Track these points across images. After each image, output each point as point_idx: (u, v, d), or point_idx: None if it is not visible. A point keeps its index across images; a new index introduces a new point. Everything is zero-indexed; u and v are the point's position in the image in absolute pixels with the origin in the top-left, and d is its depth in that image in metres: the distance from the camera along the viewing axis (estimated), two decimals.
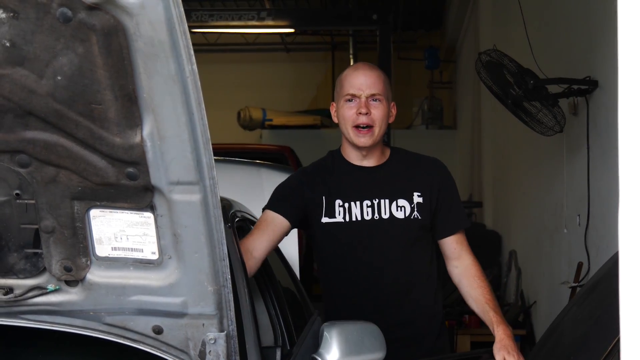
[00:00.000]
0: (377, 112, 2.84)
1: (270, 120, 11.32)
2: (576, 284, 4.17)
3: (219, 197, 2.15)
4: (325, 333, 2.47)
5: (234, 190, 3.27)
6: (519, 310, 6.01)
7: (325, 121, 11.53)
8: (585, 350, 3.11)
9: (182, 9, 1.93)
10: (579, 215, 4.29)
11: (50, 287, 2.39)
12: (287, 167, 5.17)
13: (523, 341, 5.89)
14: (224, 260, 2.20)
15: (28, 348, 2.63)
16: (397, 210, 2.93)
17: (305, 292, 3.23)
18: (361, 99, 2.83)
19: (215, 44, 12.04)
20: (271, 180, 4.05)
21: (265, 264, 2.83)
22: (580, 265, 4.19)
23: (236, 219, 2.75)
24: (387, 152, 3.01)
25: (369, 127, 2.83)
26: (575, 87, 4.08)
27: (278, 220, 2.85)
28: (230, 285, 2.24)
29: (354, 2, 10.20)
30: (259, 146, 9.19)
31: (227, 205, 2.76)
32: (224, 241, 2.18)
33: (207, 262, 2.22)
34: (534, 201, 5.78)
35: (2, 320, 2.44)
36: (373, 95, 2.85)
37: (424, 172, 3.00)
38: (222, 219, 2.15)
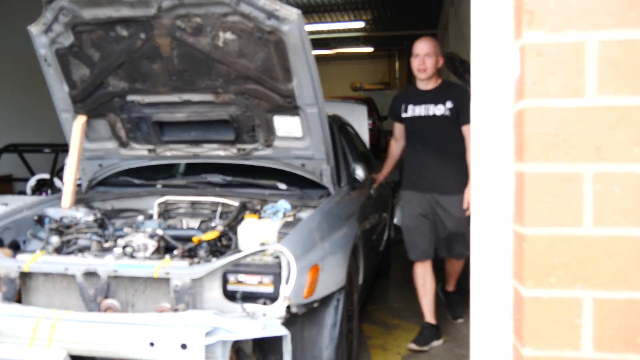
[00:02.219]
0: (429, 62, 4.17)
1: (363, 87, 21.06)
2: None
3: (325, 110, 3.20)
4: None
5: (341, 112, 5.16)
6: None
7: (386, 87, 21.97)
8: None
9: (306, 32, 2.86)
10: None
11: (260, 147, 3.51)
12: (364, 102, 7.82)
13: None
14: (328, 136, 3.38)
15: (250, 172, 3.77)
16: (437, 111, 4.20)
17: (372, 155, 5.16)
18: (420, 55, 4.19)
19: (333, 55, 22.90)
20: (357, 108, 6.42)
21: (350, 140, 4.51)
22: None
23: (339, 123, 4.49)
24: (439, 81, 4.25)
25: (425, 69, 4.14)
26: None
27: (397, 124, 4.45)
28: (331, 146, 3.44)
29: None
30: (358, 97, 16.73)
31: (335, 117, 4.50)
32: (328, 128, 3.33)
33: (321, 136, 3.33)
34: None
35: (240, 162, 3.55)
36: (427, 53, 4.17)
37: (454, 91, 4.21)
38: (327, 120, 3.23)
